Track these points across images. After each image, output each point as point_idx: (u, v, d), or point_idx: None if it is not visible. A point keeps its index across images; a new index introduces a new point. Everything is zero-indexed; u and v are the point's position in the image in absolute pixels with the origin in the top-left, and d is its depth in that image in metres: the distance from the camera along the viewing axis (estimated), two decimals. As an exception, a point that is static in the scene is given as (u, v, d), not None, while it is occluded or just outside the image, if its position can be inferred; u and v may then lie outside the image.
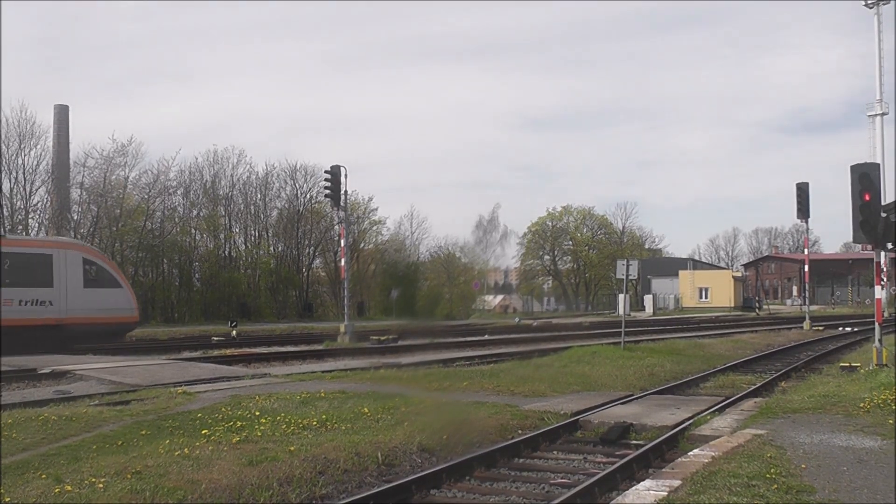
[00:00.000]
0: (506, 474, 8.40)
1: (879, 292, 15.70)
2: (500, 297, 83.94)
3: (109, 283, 24.40)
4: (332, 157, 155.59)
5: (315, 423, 9.82)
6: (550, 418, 11.02)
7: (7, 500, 6.46)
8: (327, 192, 29.64)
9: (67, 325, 23.29)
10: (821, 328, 36.26)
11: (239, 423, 9.69)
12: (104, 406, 11.45)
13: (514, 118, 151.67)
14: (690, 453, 8.14)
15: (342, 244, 29.13)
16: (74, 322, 23.36)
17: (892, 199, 16.09)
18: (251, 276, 55.24)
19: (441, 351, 24.05)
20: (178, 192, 51.35)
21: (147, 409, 11.13)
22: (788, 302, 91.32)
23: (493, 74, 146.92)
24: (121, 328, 25.14)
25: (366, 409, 10.78)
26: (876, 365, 14.77)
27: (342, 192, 29.09)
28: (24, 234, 40.57)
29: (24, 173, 43.14)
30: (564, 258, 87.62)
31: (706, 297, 76.48)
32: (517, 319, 52.74)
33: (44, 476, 7.09)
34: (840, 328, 36.78)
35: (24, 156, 43.28)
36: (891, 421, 9.45)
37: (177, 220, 51.15)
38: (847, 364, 16.14)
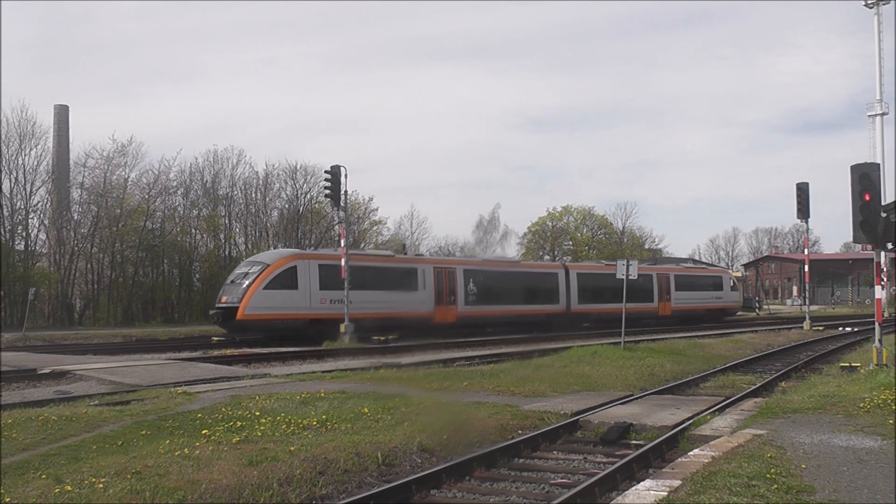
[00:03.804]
0: (506, 474, 8.39)
1: (879, 292, 15.68)
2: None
3: (736, 289, 45.18)
4: (332, 157, 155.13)
5: (315, 423, 9.82)
6: (550, 418, 11.02)
7: (7, 500, 6.46)
8: (327, 192, 29.58)
9: (726, 309, 43.04)
10: (821, 328, 36.23)
11: (239, 423, 9.70)
12: (104, 406, 11.45)
13: (514, 118, 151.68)
14: (690, 453, 8.14)
15: (342, 244, 29.09)
16: (728, 307, 43.82)
17: (892, 199, 16.04)
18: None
19: (441, 351, 24.11)
20: (179, 192, 51.29)
21: (147, 409, 11.13)
22: (788, 302, 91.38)
23: (493, 74, 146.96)
24: (732, 313, 45.89)
25: (366, 409, 10.78)
26: (876, 365, 14.78)
27: (342, 192, 29.05)
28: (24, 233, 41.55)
29: (24, 173, 43.01)
30: (564, 258, 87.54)
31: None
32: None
33: (44, 476, 7.09)
34: (840, 328, 36.76)
35: (24, 156, 43.15)
36: (891, 421, 9.45)
37: (177, 220, 51.05)
38: (847, 364, 16.15)
